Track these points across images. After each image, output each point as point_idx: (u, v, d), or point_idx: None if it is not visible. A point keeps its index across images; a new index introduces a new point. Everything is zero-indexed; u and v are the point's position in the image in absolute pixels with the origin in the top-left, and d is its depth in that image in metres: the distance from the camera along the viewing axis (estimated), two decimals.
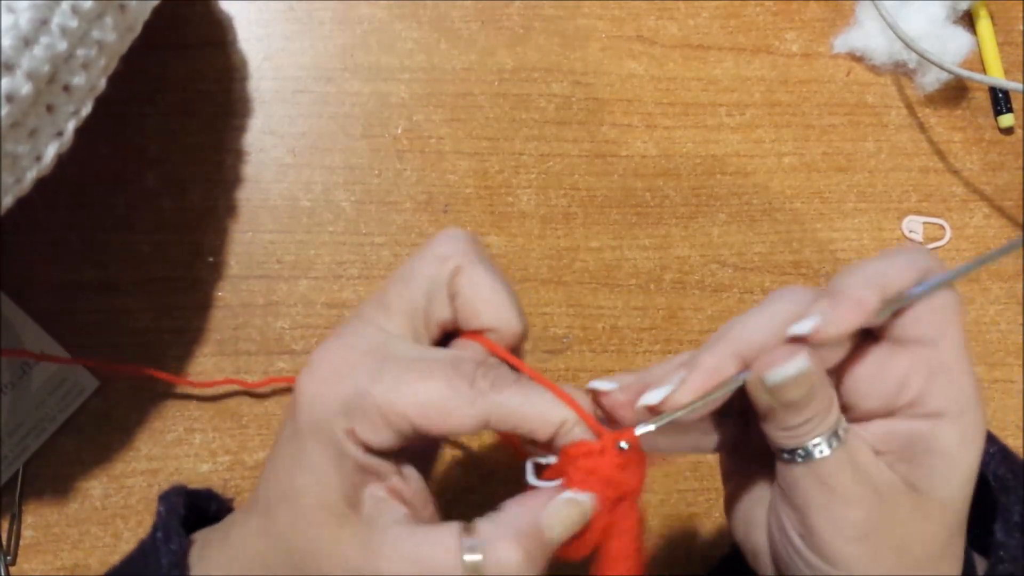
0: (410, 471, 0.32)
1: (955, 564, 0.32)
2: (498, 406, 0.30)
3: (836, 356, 0.32)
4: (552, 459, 0.32)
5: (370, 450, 0.31)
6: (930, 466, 0.31)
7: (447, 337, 0.34)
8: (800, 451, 0.31)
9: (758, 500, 0.35)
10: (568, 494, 0.31)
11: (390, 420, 0.30)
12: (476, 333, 0.33)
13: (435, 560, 0.30)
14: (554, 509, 0.31)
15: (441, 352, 0.32)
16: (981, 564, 0.35)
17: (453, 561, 0.30)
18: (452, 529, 0.30)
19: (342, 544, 0.31)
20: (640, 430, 0.31)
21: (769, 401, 0.31)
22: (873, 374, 0.32)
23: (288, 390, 0.48)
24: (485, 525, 0.31)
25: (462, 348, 0.33)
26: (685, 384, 0.31)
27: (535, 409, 0.31)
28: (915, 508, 0.31)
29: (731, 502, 0.36)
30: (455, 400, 0.30)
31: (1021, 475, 0.35)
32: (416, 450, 0.32)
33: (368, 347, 0.31)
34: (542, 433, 0.31)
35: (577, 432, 0.31)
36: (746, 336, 0.32)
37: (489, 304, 0.32)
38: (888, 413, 0.32)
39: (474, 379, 0.31)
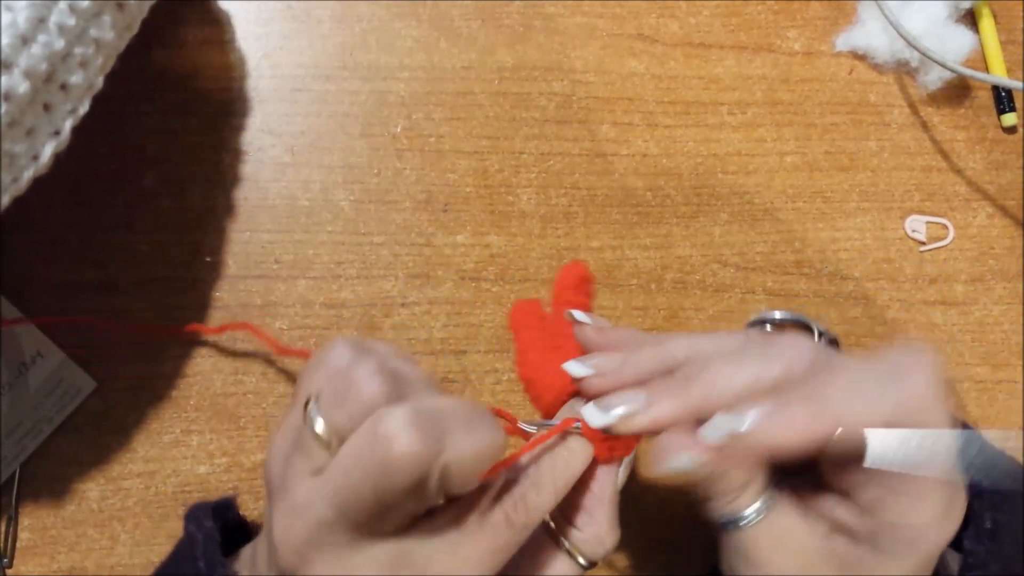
0: None
1: None
2: (543, 513, 0.32)
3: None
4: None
5: None
6: (877, 545, 0.31)
7: None
8: (726, 519, 0.33)
9: None
10: (623, 468, 0.34)
11: None
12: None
13: None
14: (621, 481, 0.34)
15: (461, 527, 0.30)
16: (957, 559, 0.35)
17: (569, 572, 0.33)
18: (557, 557, 0.33)
19: None
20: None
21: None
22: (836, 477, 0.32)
23: (261, 350, 0.47)
24: (578, 534, 0.33)
25: None
26: (630, 420, 0.32)
27: (566, 479, 0.33)
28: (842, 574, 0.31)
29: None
30: (510, 551, 0.31)
31: (997, 480, 0.35)
32: None
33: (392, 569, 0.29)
34: (577, 477, 0.33)
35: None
36: (712, 396, 0.31)
37: (482, 468, 0.30)
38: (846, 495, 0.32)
39: (510, 522, 0.31)
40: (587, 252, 0.50)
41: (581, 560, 0.33)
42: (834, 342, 0.36)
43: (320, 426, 0.29)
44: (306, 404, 0.30)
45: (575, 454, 0.33)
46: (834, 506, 0.32)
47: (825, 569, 0.31)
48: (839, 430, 0.29)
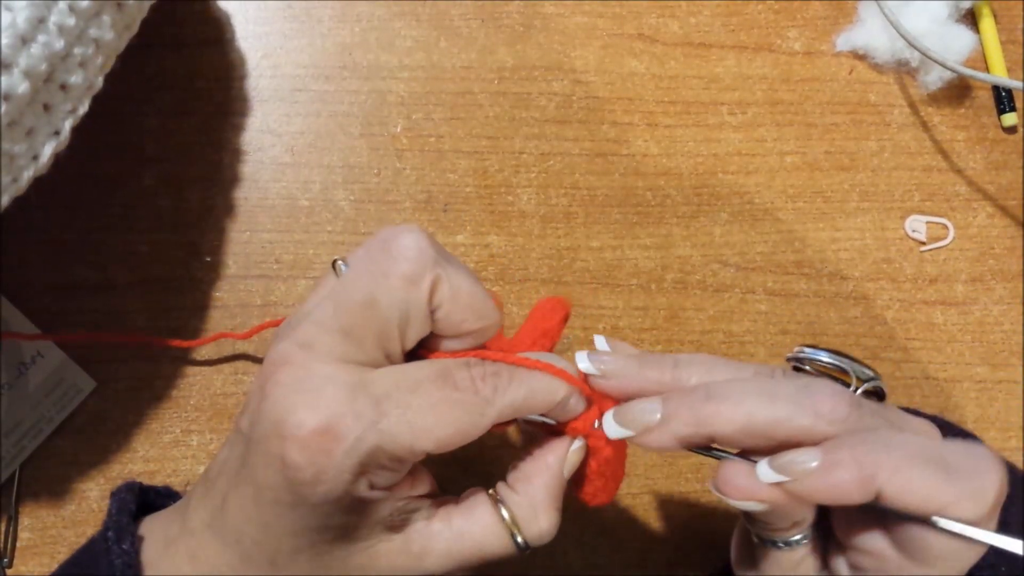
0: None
1: None
2: (507, 406, 0.31)
3: None
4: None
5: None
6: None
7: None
8: (766, 539, 0.34)
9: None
10: (577, 443, 0.33)
11: (407, 460, 0.30)
12: (439, 351, 0.33)
13: (483, 545, 0.32)
14: (570, 463, 0.33)
15: (424, 368, 0.31)
16: None
17: (499, 540, 0.32)
18: (486, 508, 0.32)
19: (382, 561, 0.32)
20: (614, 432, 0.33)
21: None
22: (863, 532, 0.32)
23: None
24: (514, 496, 0.32)
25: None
26: (645, 435, 0.32)
27: (539, 397, 0.32)
28: None
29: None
30: (468, 420, 0.30)
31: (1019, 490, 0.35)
32: None
33: (348, 392, 0.29)
34: (544, 411, 0.32)
35: (574, 403, 0.32)
36: (736, 426, 0.30)
37: (473, 310, 0.32)
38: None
39: (475, 388, 0.31)
40: (587, 252, 0.50)
41: (517, 536, 0.32)
42: (878, 392, 0.35)
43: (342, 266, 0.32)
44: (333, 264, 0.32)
45: (557, 388, 0.32)
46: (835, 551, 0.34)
47: None
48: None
